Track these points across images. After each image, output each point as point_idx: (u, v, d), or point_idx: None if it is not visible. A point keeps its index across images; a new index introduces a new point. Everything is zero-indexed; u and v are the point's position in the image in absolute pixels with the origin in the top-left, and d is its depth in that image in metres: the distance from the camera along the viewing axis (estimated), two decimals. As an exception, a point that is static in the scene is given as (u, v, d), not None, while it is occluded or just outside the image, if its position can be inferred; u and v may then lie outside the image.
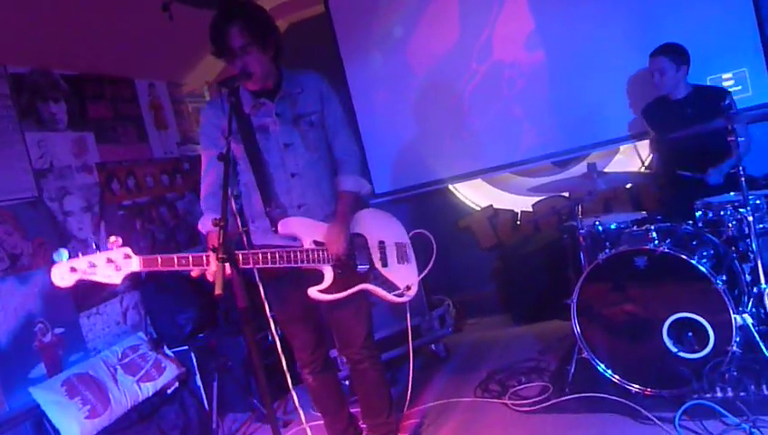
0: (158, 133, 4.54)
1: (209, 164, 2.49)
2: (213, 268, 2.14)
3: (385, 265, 2.59)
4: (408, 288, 2.60)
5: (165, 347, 3.83)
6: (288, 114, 2.48)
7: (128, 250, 2.06)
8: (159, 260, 2.10)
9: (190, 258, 2.13)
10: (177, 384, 3.71)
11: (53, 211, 3.59)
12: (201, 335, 4.00)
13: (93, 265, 2.00)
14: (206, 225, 2.42)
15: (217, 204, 2.15)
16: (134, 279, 4.04)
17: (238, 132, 2.43)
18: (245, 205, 2.55)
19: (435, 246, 2.72)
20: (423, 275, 2.71)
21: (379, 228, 2.65)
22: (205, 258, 2.13)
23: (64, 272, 1.98)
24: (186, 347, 3.84)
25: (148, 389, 3.55)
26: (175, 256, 2.11)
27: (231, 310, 4.15)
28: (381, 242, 2.62)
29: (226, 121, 2.31)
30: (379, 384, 2.69)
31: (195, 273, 2.20)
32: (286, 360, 2.45)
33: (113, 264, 2.03)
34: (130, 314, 3.97)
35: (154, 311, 4.06)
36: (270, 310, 2.38)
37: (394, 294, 2.57)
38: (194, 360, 3.83)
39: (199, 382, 3.82)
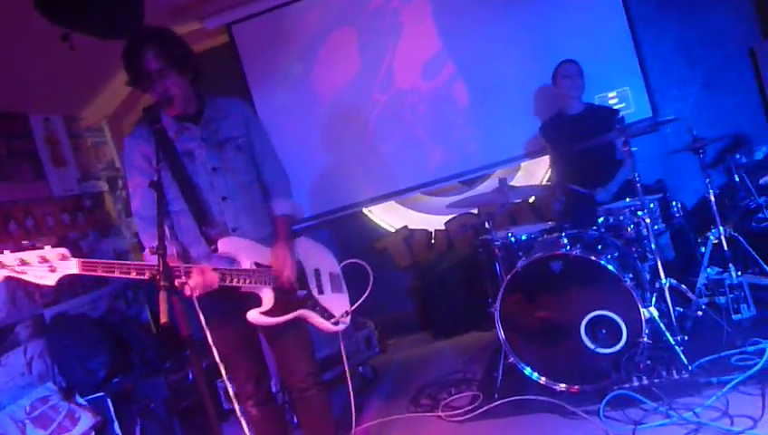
0: (56, 170, 4.28)
1: (135, 193, 2.40)
2: (192, 282, 2.10)
3: (321, 292, 2.59)
4: (347, 314, 2.63)
5: (77, 396, 3.58)
6: (213, 139, 2.45)
7: (65, 251, 1.92)
8: (100, 266, 1.96)
9: (131, 266, 2.01)
10: (93, 434, 3.47)
11: (-56, 258, 3.29)
12: (116, 380, 3.78)
13: (24, 263, 1.84)
14: (151, 260, 2.19)
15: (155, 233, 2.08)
16: (38, 325, 3.76)
17: (165, 159, 2.35)
18: (177, 232, 2.45)
19: (372, 275, 2.73)
20: (358, 303, 2.72)
21: (314, 257, 2.65)
22: (147, 268, 2.01)
23: None
24: (101, 394, 3.61)
25: (63, 442, 3.30)
26: (116, 263, 1.99)
27: (147, 350, 3.97)
28: (317, 270, 2.62)
29: (151, 149, 2.26)
30: (326, 410, 2.65)
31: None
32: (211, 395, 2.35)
33: (47, 263, 1.87)
34: (36, 363, 3.68)
35: (62, 358, 3.78)
36: (183, 349, 2.28)
37: (331, 322, 2.57)
38: (110, 406, 3.60)
39: (118, 430, 3.59)
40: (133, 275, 2.00)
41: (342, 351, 2.84)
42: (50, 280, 1.88)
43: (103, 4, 3.17)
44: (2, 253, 1.84)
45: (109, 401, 3.61)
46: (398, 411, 3.45)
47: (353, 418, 2.94)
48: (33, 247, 1.89)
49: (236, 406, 2.12)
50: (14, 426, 3.19)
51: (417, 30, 4.60)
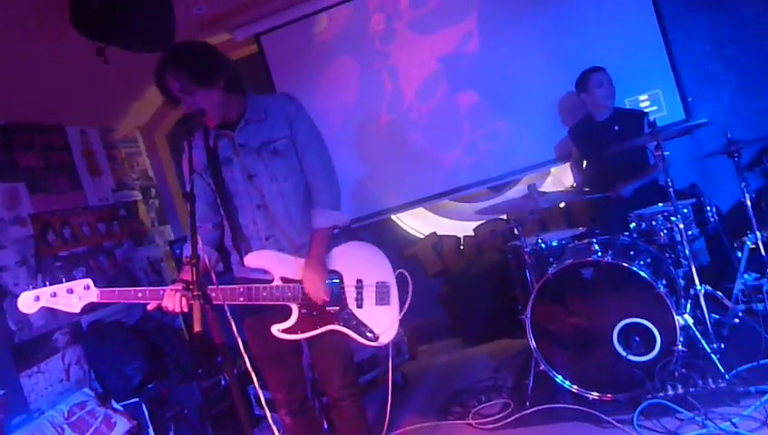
0: (91, 181, 4.39)
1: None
2: (165, 302, 2.24)
3: (360, 306, 2.44)
4: (382, 334, 2.44)
5: (113, 401, 3.65)
6: (253, 143, 2.41)
7: (88, 281, 2.27)
8: (117, 292, 2.29)
9: (147, 292, 2.26)
10: (129, 439, 3.54)
11: (-14, 267, 3.40)
12: (151, 386, 3.84)
13: (55, 295, 2.24)
14: (185, 250, 2.36)
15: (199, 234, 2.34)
16: (75, 333, 3.86)
17: (208, 167, 2.42)
18: (225, 238, 2.52)
19: (411, 286, 2.51)
20: (399, 316, 2.49)
21: (359, 265, 2.47)
22: (161, 292, 2.24)
23: (29, 300, 2.23)
24: (136, 399, 3.68)
25: (100, 447, 3.37)
26: (131, 289, 2.27)
27: (181, 356, 4.03)
28: (359, 281, 2.45)
29: (196, 158, 2.35)
30: (359, 422, 2.61)
31: (151, 306, 2.29)
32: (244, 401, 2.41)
33: (74, 293, 2.25)
34: (73, 369, 3.78)
35: (98, 364, 3.86)
36: (245, 348, 2.29)
37: (367, 338, 2.43)
38: (145, 412, 3.66)
39: (152, 435, 3.66)
40: (147, 300, 2.27)
41: (390, 359, 2.69)
42: (75, 308, 2.27)
43: (135, 20, 3.23)
44: (39, 287, 2.25)
45: (143, 406, 3.68)
46: (429, 419, 3.44)
47: (386, 425, 2.93)
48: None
49: (267, 413, 2.14)
50: (53, 431, 3.27)
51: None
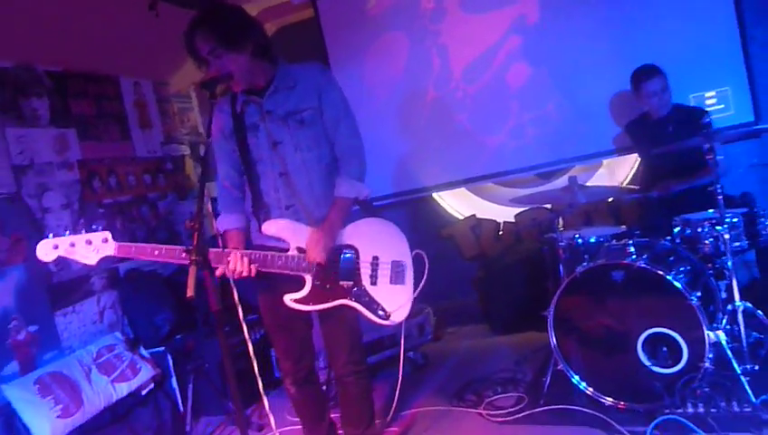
0: (141, 132, 4.51)
1: (218, 163, 2.54)
2: (232, 266, 2.26)
3: (374, 283, 2.42)
4: (393, 313, 2.41)
5: (141, 348, 3.79)
6: (280, 111, 2.39)
7: (107, 234, 2.25)
8: (134, 248, 2.27)
9: (164, 250, 2.24)
10: (152, 386, 3.67)
11: (32, 208, 3.56)
12: (179, 337, 3.97)
13: (73, 245, 2.23)
14: (222, 224, 2.52)
15: (230, 202, 2.51)
16: (112, 278, 4.01)
17: (234, 132, 2.43)
18: (245, 204, 2.55)
19: (427, 268, 2.47)
20: (413, 297, 2.46)
21: (377, 242, 2.46)
22: (177, 251, 2.22)
23: (48, 248, 2.21)
24: (162, 348, 3.81)
25: (123, 389, 3.51)
26: (148, 246, 2.25)
27: (210, 312, 4.12)
28: (375, 258, 2.44)
29: (221, 122, 2.43)
30: (362, 399, 2.62)
31: (219, 271, 2.30)
32: (260, 365, 2.43)
33: (91, 245, 2.24)
34: (107, 313, 3.94)
35: (131, 311, 4.02)
36: (246, 314, 2.33)
37: (378, 316, 2.41)
38: (170, 361, 3.79)
39: (175, 384, 3.79)
40: (163, 259, 2.25)
41: (402, 341, 2.71)
42: (92, 260, 2.26)
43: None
44: (61, 236, 2.24)
45: (169, 356, 3.81)
46: (441, 402, 3.41)
47: (393, 405, 2.93)
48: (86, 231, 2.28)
49: (260, 385, 2.16)
50: (80, 369, 3.42)
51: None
